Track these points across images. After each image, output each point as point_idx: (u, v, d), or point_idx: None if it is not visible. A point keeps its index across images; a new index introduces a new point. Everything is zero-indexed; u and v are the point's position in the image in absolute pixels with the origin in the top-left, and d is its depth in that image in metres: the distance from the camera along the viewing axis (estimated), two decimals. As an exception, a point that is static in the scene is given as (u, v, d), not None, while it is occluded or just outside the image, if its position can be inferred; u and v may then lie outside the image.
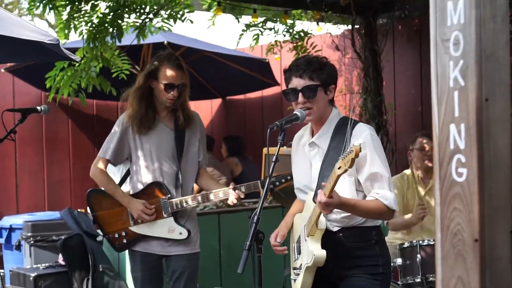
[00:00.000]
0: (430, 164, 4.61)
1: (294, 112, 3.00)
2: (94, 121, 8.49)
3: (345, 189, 2.87)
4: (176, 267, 3.83)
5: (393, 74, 7.04)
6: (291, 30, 6.63)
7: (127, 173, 4.03)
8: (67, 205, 7.54)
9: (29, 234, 5.81)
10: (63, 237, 5.42)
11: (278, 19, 6.51)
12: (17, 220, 6.28)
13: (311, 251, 2.89)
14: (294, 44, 6.75)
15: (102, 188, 3.93)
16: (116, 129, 3.87)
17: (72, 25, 5.33)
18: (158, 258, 3.86)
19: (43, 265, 5.48)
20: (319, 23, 6.72)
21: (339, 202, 2.74)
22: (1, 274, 4.61)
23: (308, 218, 2.94)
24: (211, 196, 3.75)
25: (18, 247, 5.95)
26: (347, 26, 6.86)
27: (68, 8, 5.32)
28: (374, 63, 6.60)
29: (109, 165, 3.95)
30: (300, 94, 2.99)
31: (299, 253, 3.08)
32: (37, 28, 3.78)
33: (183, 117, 3.86)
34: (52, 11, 5.26)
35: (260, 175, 6.47)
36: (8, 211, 7.40)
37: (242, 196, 3.71)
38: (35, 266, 5.58)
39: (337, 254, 2.94)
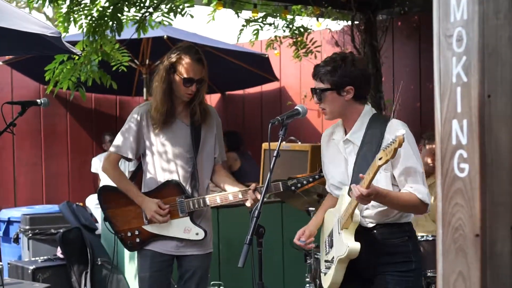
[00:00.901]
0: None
1: (295, 107, 3.02)
2: (93, 114, 8.49)
3: (381, 183, 2.92)
4: (189, 267, 3.73)
5: (392, 70, 7.05)
6: (291, 26, 6.63)
7: (136, 170, 3.92)
8: (65, 198, 7.54)
9: (28, 227, 5.81)
10: (61, 231, 5.42)
11: (278, 14, 6.51)
12: (15, 213, 6.29)
13: (346, 244, 2.93)
14: (294, 40, 6.75)
15: (114, 185, 3.77)
16: (131, 124, 3.71)
17: (71, 19, 5.33)
18: (170, 259, 3.74)
19: (42, 258, 5.48)
20: (319, 18, 6.73)
21: (376, 193, 2.79)
22: (0, 266, 4.61)
23: (343, 211, 2.97)
24: (230, 197, 3.62)
25: (16, 240, 5.95)
26: (347, 22, 6.86)
27: (67, 1, 5.31)
28: (373, 59, 6.59)
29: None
30: (314, 95, 3.09)
31: (331, 246, 3.11)
32: (39, 20, 3.77)
33: (200, 112, 3.71)
34: (51, 4, 5.26)
35: (259, 171, 6.48)
36: (6, 204, 7.40)
37: (259, 198, 3.43)
38: (33, 259, 5.58)
39: (371, 250, 2.98)
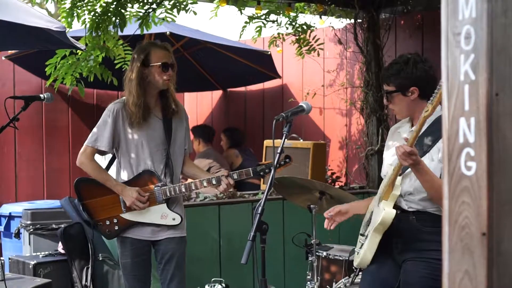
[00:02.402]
0: None
1: (300, 104, 3.03)
2: (94, 110, 8.48)
3: (431, 169, 3.03)
4: (166, 250, 3.93)
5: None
6: (294, 23, 6.62)
7: (109, 163, 4.10)
8: (66, 193, 7.53)
9: (29, 222, 5.81)
10: (63, 226, 5.42)
11: (281, 12, 6.50)
12: (16, 208, 6.28)
13: (382, 209, 3.07)
14: (297, 37, 6.74)
15: (92, 177, 3.98)
16: (106, 118, 3.94)
17: (75, 14, 5.32)
18: (148, 244, 3.97)
19: (43, 253, 5.48)
20: (322, 16, 6.72)
21: (419, 161, 2.93)
22: (1, 261, 4.61)
23: (385, 184, 3.13)
24: (204, 183, 3.85)
25: (17, 235, 5.95)
26: (350, 20, 6.86)
27: (71, -3, 5.31)
28: (376, 57, 6.59)
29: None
30: (384, 97, 3.33)
31: (368, 224, 3.29)
32: (43, 15, 3.77)
33: (173, 104, 3.96)
34: (54, 0, 5.25)
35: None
36: (7, 199, 7.40)
37: (232, 183, 3.81)
38: (34, 254, 5.58)
39: (407, 235, 3.13)
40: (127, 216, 3.91)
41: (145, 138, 3.91)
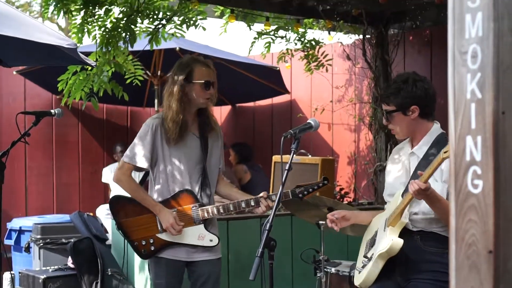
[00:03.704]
0: None
1: (308, 121, 3.04)
2: (104, 125, 8.54)
3: (437, 191, 3.01)
4: (202, 272, 3.83)
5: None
6: (302, 39, 6.66)
7: (142, 180, 4.02)
8: (75, 208, 7.57)
9: (39, 236, 5.83)
10: (72, 240, 5.44)
11: (290, 28, 6.54)
12: (26, 222, 6.31)
13: (390, 238, 3.04)
14: (305, 53, 6.77)
15: (127, 195, 3.86)
16: (145, 134, 3.79)
17: (85, 29, 5.37)
18: (183, 265, 3.85)
19: (52, 267, 5.50)
20: (331, 32, 6.75)
21: (430, 191, 2.92)
22: (12, 275, 4.63)
23: (393, 210, 3.10)
24: (243, 204, 3.74)
25: (28, 249, 5.97)
26: (359, 35, 6.88)
27: (82, 12, 5.36)
28: (384, 73, 6.61)
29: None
30: (383, 117, 3.30)
31: (372, 245, 3.25)
32: (55, 32, 3.82)
33: (212, 122, 3.88)
34: (65, 15, 5.31)
35: (269, 183, 6.49)
36: (17, 213, 7.44)
37: (271, 205, 3.69)
38: (44, 268, 5.61)
39: (411, 255, 3.09)
40: (163, 236, 3.78)
41: (183, 155, 3.79)
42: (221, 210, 3.75)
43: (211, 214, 3.76)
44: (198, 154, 3.82)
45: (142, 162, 3.77)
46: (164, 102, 3.82)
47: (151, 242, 3.80)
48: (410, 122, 3.22)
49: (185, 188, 3.78)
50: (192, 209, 3.77)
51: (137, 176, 4.26)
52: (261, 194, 3.71)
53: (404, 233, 3.09)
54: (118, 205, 3.88)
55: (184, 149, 3.80)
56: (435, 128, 3.25)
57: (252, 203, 3.71)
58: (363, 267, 3.24)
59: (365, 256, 3.27)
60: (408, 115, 3.21)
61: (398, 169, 3.34)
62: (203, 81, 3.76)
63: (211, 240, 3.79)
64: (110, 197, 4.05)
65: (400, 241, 3.03)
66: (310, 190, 3.74)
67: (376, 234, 3.27)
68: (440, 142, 3.15)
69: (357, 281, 3.29)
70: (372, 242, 3.29)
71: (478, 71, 1.55)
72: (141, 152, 3.77)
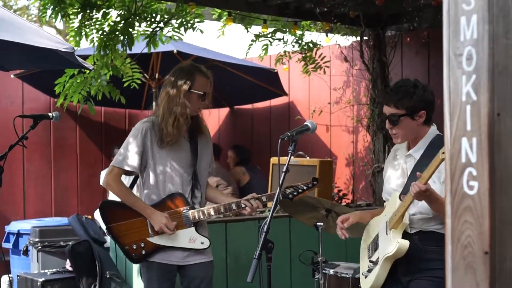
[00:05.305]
0: None
1: (305, 123, 3.05)
2: (102, 128, 8.54)
3: (436, 190, 3.04)
4: (195, 275, 3.82)
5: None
6: (300, 41, 6.67)
7: (131, 184, 4.02)
8: (73, 211, 7.57)
9: (37, 239, 5.83)
10: (71, 243, 5.44)
11: (287, 30, 6.55)
12: (24, 225, 6.31)
13: (395, 241, 3.10)
14: (303, 55, 6.78)
15: (117, 199, 3.86)
16: (135, 138, 3.79)
17: (83, 33, 5.38)
18: (175, 269, 3.84)
19: (51, 270, 5.50)
20: (328, 34, 6.76)
21: (430, 192, 2.96)
22: (10, 278, 4.63)
23: (393, 213, 3.15)
24: (234, 206, 3.75)
25: (26, 252, 5.97)
26: (356, 37, 6.90)
27: (79, 16, 5.37)
28: (382, 74, 6.62)
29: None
30: (387, 121, 3.27)
31: (375, 249, 3.29)
32: (52, 35, 3.83)
33: (201, 126, 3.91)
34: (63, 19, 5.31)
35: (267, 185, 6.49)
36: (15, 216, 7.43)
37: (261, 207, 3.74)
38: (42, 271, 5.60)
39: (411, 255, 3.13)
40: (154, 240, 3.76)
41: (173, 159, 3.79)
42: (212, 213, 3.76)
43: (202, 217, 3.76)
44: (188, 157, 3.83)
45: (131, 166, 3.77)
46: (162, 106, 3.78)
47: (142, 246, 3.77)
48: (415, 127, 3.24)
49: (176, 191, 3.79)
50: (183, 212, 3.76)
51: (127, 180, 4.25)
52: (250, 196, 3.75)
53: (403, 235, 3.14)
54: (108, 210, 3.86)
55: (175, 153, 3.80)
56: (432, 131, 3.28)
57: (243, 205, 3.73)
58: (369, 271, 3.28)
59: (370, 262, 3.30)
60: (415, 120, 3.22)
61: (395, 170, 3.37)
62: (201, 92, 3.78)
63: (202, 243, 3.78)
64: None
65: (406, 243, 3.09)
66: (300, 190, 3.76)
67: (378, 238, 3.30)
68: (435, 145, 3.17)
69: (365, 285, 3.31)
70: (375, 246, 3.31)
71: (473, 73, 1.56)
72: (130, 156, 3.77)
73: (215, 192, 4.05)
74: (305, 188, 3.75)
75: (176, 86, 3.78)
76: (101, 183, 7.92)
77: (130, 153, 3.77)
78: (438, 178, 3.08)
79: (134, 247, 3.79)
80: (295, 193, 3.76)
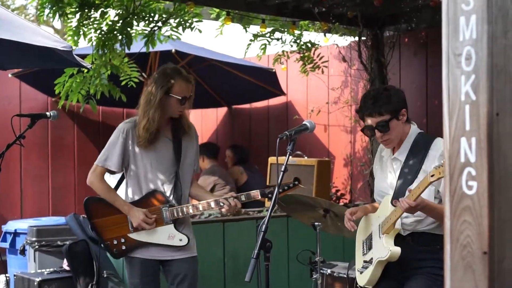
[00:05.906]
0: None
1: (304, 123, 3.05)
2: (100, 127, 8.52)
3: (424, 194, 3.08)
4: (178, 270, 3.92)
5: (399, 86, 7.06)
6: (298, 41, 6.67)
7: (118, 183, 4.10)
8: (71, 210, 7.55)
9: (34, 239, 5.82)
10: (68, 243, 5.43)
11: (285, 30, 6.55)
12: (21, 224, 6.29)
13: (387, 247, 3.20)
14: (301, 55, 6.78)
15: (101, 196, 4.00)
16: (117, 138, 3.94)
17: (81, 32, 5.37)
18: (157, 264, 3.95)
19: (48, 270, 5.49)
20: (326, 34, 6.76)
21: (425, 205, 3.04)
22: (7, 278, 4.62)
23: (385, 218, 3.24)
24: (212, 204, 3.85)
25: (23, 251, 5.95)
26: (354, 37, 6.90)
27: (77, 15, 5.36)
28: (380, 74, 6.63)
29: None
30: (376, 131, 3.29)
31: (369, 248, 3.38)
32: (50, 34, 3.82)
33: (184, 126, 3.98)
34: (61, 18, 5.30)
35: (265, 185, 6.49)
36: (12, 215, 7.41)
37: (239, 206, 3.82)
38: (39, 271, 5.59)
39: (405, 255, 3.21)
40: (134, 236, 3.91)
41: (154, 159, 3.91)
42: (190, 210, 3.86)
43: (180, 214, 3.86)
44: (170, 157, 3.93)
45: (113, 165, 3.92)
46: (140, 108, 3.93)
47: (123, 241, 3.93)
48: (401, 127, 3.31)
49: (156, 189, 3.90)
50: (162, 209, 3.88)
51: (114, 179, 4.32)
52: (228, 194, 3.84)
53: (397, 236, 3.25)
54: (91, 206, 4.03)
55: (156, 153, 3.91)
56: (413, 130, 3.35)
57: (221, 204, 3.81)
58: (364, 267, 3.39)
59: (364, 261, 3.40)
60: (400, 119, 3.30)
61: (383, 171, 3.45)
62: (180, 97, 3.86)
63: (180, 240, 3.88)
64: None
65: (398, 250, 3.19)
66: (281, 190, 3.78)
67: (372, 237, 3.38)
68: (419, 144, 3.27)
69: (361, 281, 3.42)
70: (369, 244, 3.40)
71: (472, 73, 1.56)
72: (112, 156, 3.92)
73: (199, 190, 4.14)
74: (285, 188, 3.79)
75: (155, 89, 3.89)
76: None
77: (111, 153, 3.93)
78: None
79: (115, 242, 3.94)
80: (280, 190, 3.80)
